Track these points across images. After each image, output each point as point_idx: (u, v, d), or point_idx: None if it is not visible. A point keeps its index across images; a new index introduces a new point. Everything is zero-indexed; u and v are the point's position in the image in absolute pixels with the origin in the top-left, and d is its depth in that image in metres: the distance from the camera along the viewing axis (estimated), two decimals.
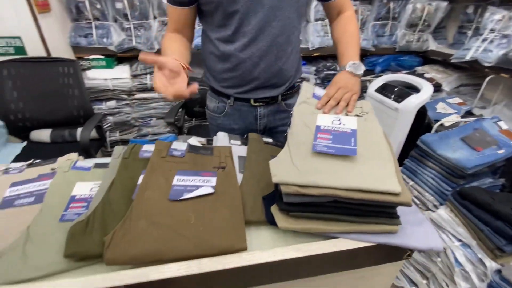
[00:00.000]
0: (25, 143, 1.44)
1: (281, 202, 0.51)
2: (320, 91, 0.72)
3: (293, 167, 0.50)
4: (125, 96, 1.79)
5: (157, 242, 0.46)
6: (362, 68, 0.75)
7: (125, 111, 1.84)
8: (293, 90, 0.90)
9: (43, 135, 1.46)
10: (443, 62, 2.13)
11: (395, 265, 0.58)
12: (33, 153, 1.35)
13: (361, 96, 1.72)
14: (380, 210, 0.50)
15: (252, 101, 0.84)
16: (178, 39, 0.79)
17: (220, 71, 0.82)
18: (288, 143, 0.57)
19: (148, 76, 1.79)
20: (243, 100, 0.85)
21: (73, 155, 0.74)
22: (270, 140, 0.80)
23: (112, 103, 1.79)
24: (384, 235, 0.50)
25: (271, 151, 0.73)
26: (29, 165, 0.71)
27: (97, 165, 0.69)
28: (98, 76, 1.69)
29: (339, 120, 0.62)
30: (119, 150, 0.69)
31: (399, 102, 1.35)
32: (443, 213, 1.10)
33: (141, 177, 0.60)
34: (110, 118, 1.83)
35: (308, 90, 0.71)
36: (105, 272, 0.43)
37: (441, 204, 1.16)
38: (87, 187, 0.61)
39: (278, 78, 0.82)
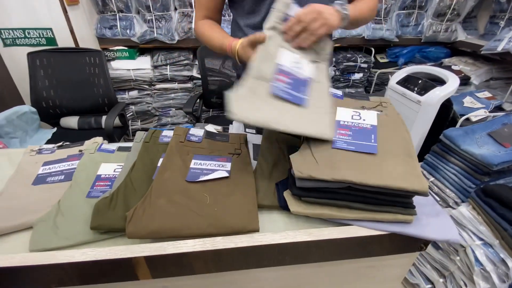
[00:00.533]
0: (55, 129, 1.53)
1: (294, 187, 0.51)
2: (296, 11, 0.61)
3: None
4: (146, 86, 1.85)
5: (174, 219, 0.48)
6: (348, 12, 0.65)
7: (146, 101, 1.90)
8: None
9: (71, 121, 1.54)
10: (473, 54, 2.01)
11: (408, 257, 0.58)
12: (63, 139, 1.43)
13: (382, 89, 1.66)
14: (395, 200, 0.50)
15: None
16: (215, 25, 0.79)
17: (243, 13, 0.79)
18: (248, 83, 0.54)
19: (168, 67, 1.83)
20: None
21: (99, 139, 0.78)
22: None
23: (134, 93, 1.85)
24: (398, 224, 0.50)
25: (285, 138, 0.73)
26: (59, 147, 0.77)
27: (121, 148, 0.73)
28: (122, 66, 1.76)
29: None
30: (140, 135, 0.73)
31: (422, 94, 1.29)
32: (465, 211, 1.06)
33: (160, 160, 0.63)
34: (132, 107, 1.90)
35: (283, 7, 0.62)
36: (126, 244, 0.47)
37: (462, 202, 1.12)
38: (111, 168, 0.65)
39: None
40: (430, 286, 1.18)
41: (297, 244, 0.48)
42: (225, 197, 0.54)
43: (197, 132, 0.70)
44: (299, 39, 0.61)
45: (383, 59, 2.11)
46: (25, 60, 1.46)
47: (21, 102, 1.83)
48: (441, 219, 0.52)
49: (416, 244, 0.54)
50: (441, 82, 1.36)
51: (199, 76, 1.75)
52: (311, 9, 0.59)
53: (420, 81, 1.39)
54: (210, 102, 1.73)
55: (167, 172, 0.58)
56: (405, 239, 0.51)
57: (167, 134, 0.73)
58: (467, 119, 1.40)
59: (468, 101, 1.70)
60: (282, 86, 0.54)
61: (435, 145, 1.22)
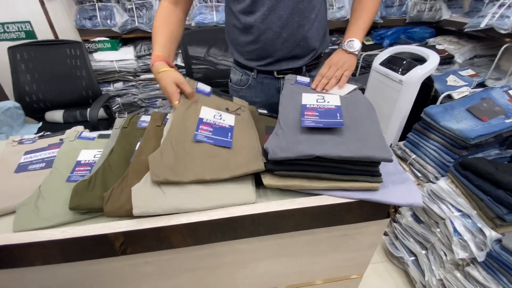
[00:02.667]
0: (40, 124, 1.52)
1: (267, 162, 0.53)
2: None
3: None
4: (131, 78, 1.84)
5: None
6: (356, 46, 0.74)
7: (132, 92, 1.89)
8: (319, 60, 0.88)
9: (56, 115, 1.54)
10: (458, 32, 2.02)
11: (378, 224, 0.61)
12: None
13: (368, 72, 1.68)
14: (362, 169, 0.52)
15: (275, 73, 0.84)
16: (172, 20, 0.78)
17: (243, 43, 0.82)
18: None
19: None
20: (267, 73, 0.85)
21: (80, 128, 0.79)
22: (265, 111, 0.82)
23: (119, 85, 1.84)
24: (365, 192, 0.53)
25: (266, 121, 0.76)
26: (41, 137, 0.77)
27: (101, 136, 0.74)
28: (104, 58, 1.74)
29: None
30: (119, 121, 0.74)
31: (404, 74, 1.31)
32: (444, 184, 1.10)
33: (138, 144, 0.64)
34: (118, 99, 1.89)
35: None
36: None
37: (442, 176, 1.16)
38: (91, 154, 0.66)
39: (302, 48, 0.80)
40: (413, 258, 1.24)
41: (269, 214, 0.50)
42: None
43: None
44: (330, 84, 0.70)
45: (368, 42, 2.11)
46: (5, 55, 1.44)
47: (4, 97, 1.81)
48: (407, 185, 0.55)
49: (384, 211, 0.57)
50: (424, 61, 1.37)
51: (183, 64, 1.74)
52: (328, 64, 0.74)
53: (404, 62, 1.41)
54: None
55: (143, 154, 0.59)
56: (374, 206, 0.54)
57: (145, 119, 0.74)
58: (449, 96, 1.43)
59: (451, 80, 1.72)
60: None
61: (416, 123, 1.25)
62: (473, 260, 1.00)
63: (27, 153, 0.70)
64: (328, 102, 0.62)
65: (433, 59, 1.30)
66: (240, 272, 0.63)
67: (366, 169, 0.52)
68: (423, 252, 1.20)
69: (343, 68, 0.72)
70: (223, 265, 0.60)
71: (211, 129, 0.61)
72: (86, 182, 0.54)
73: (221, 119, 0.66)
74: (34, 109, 1.53)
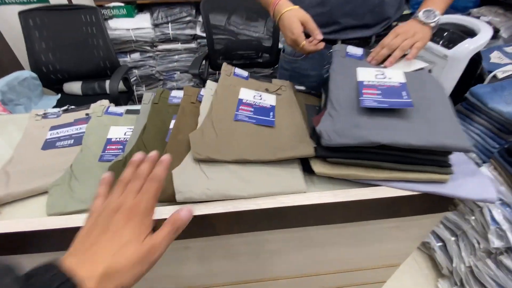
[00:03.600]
0: (59, 96, 1.49)
1: (319, 147, 0.47)
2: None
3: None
4: (148, 48, 1.75)
5: None
6: (435, 16, 0.62)
7: (150, 64, 1.81)
8: (389, 31, 0.76)
9: (74, 87, 1.49)
10: (504, 3, 1.80)
11: (434, 217, 0.55)
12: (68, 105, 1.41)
13: None
14: (431, 158, 0.46)
15: (339, 43, 0.74)
16: None
17: (307, 6, 0.70)
18: None
19: (170, 25, 1.70)
20: (329, 42, 0.73)
21: (105, 102, 0.74)
22: (302, 88, 0.75)
23: (136, 56, 1.76)
24: (431, 184, 0.47)
25: (305, 99, 0.69)
26: (65, 111, 0.73)
27: (128, 111, 0.69)
28: (120, 26, 1.64)
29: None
30: (148, 96, 0.68)
31: (449, 48, 1.18)
32: (485, 171, 1.02)
33: (172, 122, 0.59)
34: (136, 71, 1.82)
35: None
36: None
37: (484, 162, 1.08)
38: (121, 131, 0.62)
39: (375, 15, 0.70)
40: (440, 244, 1.20)
41: (322, 205, 0.45)
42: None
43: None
44: (393, 56, 0.60)
45: (406, 11, 1.92)
46: (17, 20, 1.37)
47: (20, 67, 1.77)
48: (478, 178, 0.48)
49: (446, 204, 0.51)
50: (469, 34, 1.23)
51: (203, 34, 1.63)
52: (394, 34, 0.62)
53: (446, 33, 1.26)
54: (216, 63, 1.63)
55: (180, 133, 0.54)
56: (437, 199, 0.48)
57: (176, 94, 0.68)
58: (494, 76, 1.29)
59: (495, 56, 1.56)
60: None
61: (459, 104, 1.15)
62: (508, 249, 0.95)
63: (53, 128, 0.66)
64: (390, 78, 0.54)
65: (485, 32, 1.16)
66: (281, 258, 0.60)
67: (435, 158, 0.46)
68: (453, 238, 1.16)
69: (414, 39, 0.60)
70: (265, 252, 0.57)
71: (252, 109, 0.56)
72: (121, 162, 0.50)
73: (261, 99, 0.60)
74: (51, 80, 1.48)
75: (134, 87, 1.86)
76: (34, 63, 1.43)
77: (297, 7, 0.62)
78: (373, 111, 0.49)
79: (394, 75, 0.55)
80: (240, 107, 0.56)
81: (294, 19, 0.59)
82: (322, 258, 0.63)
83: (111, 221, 0.27)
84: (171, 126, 0.58)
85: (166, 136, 0.56)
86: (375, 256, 0.65)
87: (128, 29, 1.65)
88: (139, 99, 1.95)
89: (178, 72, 1.89)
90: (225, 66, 0.67)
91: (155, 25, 1.68)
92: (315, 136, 0.50)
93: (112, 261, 0.24)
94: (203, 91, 0.64)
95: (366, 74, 0.55)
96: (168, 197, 0.44)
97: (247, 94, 0.60)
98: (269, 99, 0.61)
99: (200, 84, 2.02)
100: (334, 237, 0.56)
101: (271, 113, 0.57)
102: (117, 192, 0.31)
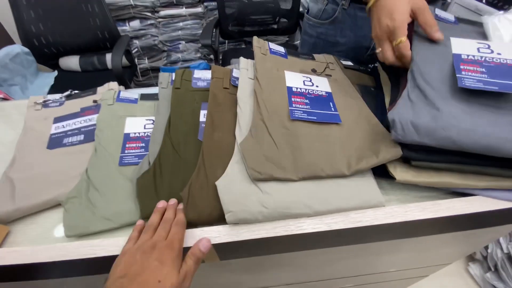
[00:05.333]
0: (56, 73, 1.35)
1: (405, 147, 0.37)
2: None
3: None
4: (149, 14, 1.55)
5: None
6: None
7: (151, 33, 1.63)
8: None
9: (71, 62, 1.34)
10: None
11: None
12: (67, 83, 1.28)
13: (445, 2, 1.32)
14: None
15: None
16: None
17: None
18: None
19: None
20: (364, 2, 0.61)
21: (113, 85, 0.62)
22: (349, 63, 0.62)
23: (136, 24, 1.57)
24: None
25: (356, 78, 0.56)
26: (68, 97, 0.62)
27: (144, 97, 0.58)
28: None
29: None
30: (165, 78, 0.56)
31: (505, 9, 1.00)
32: None
33: (202, 113, 0.48)
34: (137, 42, 1.64)
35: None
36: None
37: None
38: (140, 123, 0.51)
39: None
40: None
41: (407, 223, 0.36)
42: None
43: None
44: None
45: None
46: None
47: (10, 41, 1.60)
48: None
49: None
50: None
51: None
52: None
53: None
54: (227, 31, 1.46)
55: (217, 130, 0.43)
56: None
57: (201, 75, 0.55)
58: None
59: None
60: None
61: None
62: None
63: (57, 120, 0.55)
64: (498, 54, 0.40)
65: None
66: (332, 266, 0.53)
67: None
68: None
69: None
70: (317, 261, 0.50)
71: (307, 101, 0.44)
72: (151, 175, 0.40)
73: (312, 85, 0.48)
74: (45, 55, 1.33)
75: (136, 60, 1.70)
76: (24, 35, 1.27)
77: None
78: (473, 95, 0.37)
79: (504, 49, 0.40)
80: (292, 98, 0.44)
81: (403, 2, 0.41)
82: (373, 263, 0.56)
83: (150, 256, 0.30)
84: (202, 118, 0.47)
85: (198, 131, 0.46)
86: (436, 257, 0.58)
87: None
88: (143, 74, 1.80)
89: (183, 42, 1.71)
90: (257, 41, 0.54)
91: None
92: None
93: None
94: (235, 73, 0.52)
95: (464, 46, 0.41)
96: (212, 218, 0.36)
97: (294, 80, 0.48)
98: (321, 84, 0.49)
99: (206, 56, 1.85)
100: (396, 244, 0.49)
101: (331, 104, 0.45)
102: (148, 234, 0.34)
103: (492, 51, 0.40)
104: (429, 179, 0.37)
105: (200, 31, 1.59)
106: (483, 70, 0.37)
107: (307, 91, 0.46)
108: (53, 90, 1.24)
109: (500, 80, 0.36)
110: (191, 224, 0.36)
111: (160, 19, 1.59)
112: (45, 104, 0.59)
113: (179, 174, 0.40)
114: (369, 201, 0.37)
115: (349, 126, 0.42)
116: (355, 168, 0.37)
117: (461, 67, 0.38)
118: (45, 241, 0.38)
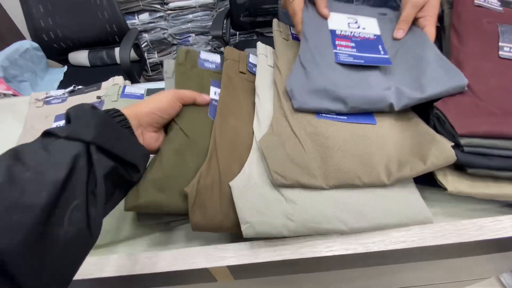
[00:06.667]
0: (65, 68, 1.33)
1: (460, 151, 0.30)
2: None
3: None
4: (158, 6, 1.50)
5: None
6: None
7: (161, 26, 1.58)
8: None
9: (80, 57, 1.32)
10: None
11: None
12: (76, 79, 1.25)
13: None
14: None
15: None
16: None
17: None
18: None
19: None
20: None
21: (118, 79, 0.58)
22: None
23: (145, 17, 1.53)
24: None
25: None
26: (71, 93, 0.58)
27: (150, 92, 0.53)
28: None
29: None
30: (170, 65, 0.49)
31: None
32: None
33: (213, 90, 0.41)
34: (146, 36, 1.60)
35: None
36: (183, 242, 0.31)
37: None
38: None
39: None
40: None
41: (461, 244, 0.30)
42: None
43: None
44: None
45: None
46: None
47: (20, 37, 1.59)
48: None
49: None
50: None
51: None
52: None
53: None
54: (238, 21, 1.39)
55: (232, 115, 0.37)
56: None
57: (208, 57, 0.48)
58: None
59: None
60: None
61: None
62: None
63: (58, 118, 0.52)
64: (363, 28, 0.43)
65: None
66: (360, 283, 0.47)
67: None
68: None
69: None
70: (343, 278, 0.44)
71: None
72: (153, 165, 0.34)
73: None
74: (55, 50, 1.31)
75: (145, 54, 1.66)
76: (34, 30, 1.25)
77: None
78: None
79: (368, 24, 0.43)
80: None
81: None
82: (401, 278, 0.50)
83: None
84: (213, 95, 0.41)
85: (208, 108, 0.39)
86: (467, 274, 0.51)
87: None
88: (152, 69, 1.76)
89: (193, 35, 1.66)
90: (277, 25, 0.47)
91: None
92: (440, 125, 0.33)
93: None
94: (252, 59, 0.46)
95: (338, 22, 0.43)
96: (224, 228, 0.30)
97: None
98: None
99: (218, 48, 1.79)
100: (433, 265, 0.42)
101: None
102: None
103: (359, 26, 0.44)
104: (487, 190, 0.30)
105: (210, 23, 1.53)
106: (353, 44, 0.41)
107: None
108: (62, 85, 1.22)
109: (365, 54, 0.39)
110: (198, 229, 0.30)
111: (169, 11, 1.54)
112: (47, 101, 0.56)
113: (188, 160, 0.33)
114: (414, 217, 0.30)
115: (386, 124, 0.35)
116: (396, 175, 0.31)
117: (336, 42, 0.41)
118: None
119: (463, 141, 0.30)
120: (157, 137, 0.34)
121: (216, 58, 0.48)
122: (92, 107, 0.27)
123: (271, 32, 0.48)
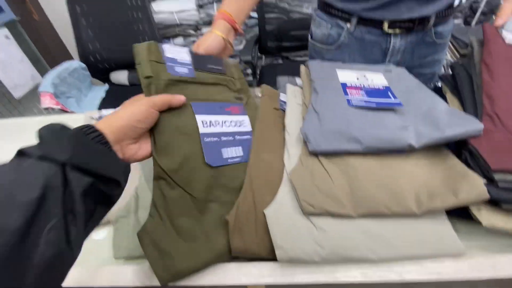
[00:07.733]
0: (107, 86, 1.45)
1: (492, 187, 0.31)
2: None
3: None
4: (192, 32, 1.63)
5: None
6: None
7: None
8: (451, 11, 0.59)
9: (121, 77, 1.44)
10: None
11: None
12: (117, 96, 1.37)
13: (490, 19, 1.21)
14: None
15: (385, 26, 0.57)
16: None
17: None
18: None
19: (215, 5, 1.55)
20: (372, 24, 0.58)
21: None
22: None
23: (179, 41, 1.65)
24: None
25: None
26: None
27: None
28: (164, 9, 1.53)
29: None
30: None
31: None
32: None
33: (199, 119, 0.37)
34: None
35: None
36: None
37: None
38: None
39: None
40: None
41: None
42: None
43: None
44: None
45: None
46: (65, 9, 1.32)
47: (68, 57, 1.77)
48: None
49: None
50: None
51: (251, 14, 1.46)
52: None
53: None
54: (266, 46, 1.47)
55: (265, 152, 0.40)
56: None
57: (175, 55, 0.40)
58: None
59: None
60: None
61: None
62: None
63: None
64: (372, 80, 0.47)
65: None
66: None
67: None
68: None
69: None
70: None
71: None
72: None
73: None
74: (98, 70, 1.44)
75: None
76: (83, 52, 1.39)
77: (215, 33, 0.49)
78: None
79: (376, 77, 0.48)
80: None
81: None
82: None
83: None
84: (202, 128, 0.37)
85: (201, 150, 0.36)
86: None
87: (172, 12, 1.53)
88: None
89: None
90: (303, 70, 0.51)
91: (200, 6, 1.54)
92: (473, 160, 0.34)
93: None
94: (283, 97, 0.50)
95: (347, 77, 0.48)
96: (260, 252, 0.32)
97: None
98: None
99: (243, 71, 1.88)
100: None
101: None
102: None
103: (367, 79, 0.47)
104: None
105: (238, 47, 1.63)
106: (363, 92, 0.45)
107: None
108: (104, 102, 1.34)
109: (376, 99, 0.43)
110: (238, 253, 0.32)
111: (201, 36, 1.66)
112: (100, 119, 0.62)
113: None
114: (445, 249, 0.31)
115: (416, 155, 0.37)
116: (427, 206, 0.32)
117: (348, 91, 0.45)
118: (91, 261, 0.38)
119: (497, 176, 0.31)
120: (138, 147, 0.33)
121: (184, 54, 0.41)
122: (63, 127, 0.26)
123: (297, 56, 0.53)
